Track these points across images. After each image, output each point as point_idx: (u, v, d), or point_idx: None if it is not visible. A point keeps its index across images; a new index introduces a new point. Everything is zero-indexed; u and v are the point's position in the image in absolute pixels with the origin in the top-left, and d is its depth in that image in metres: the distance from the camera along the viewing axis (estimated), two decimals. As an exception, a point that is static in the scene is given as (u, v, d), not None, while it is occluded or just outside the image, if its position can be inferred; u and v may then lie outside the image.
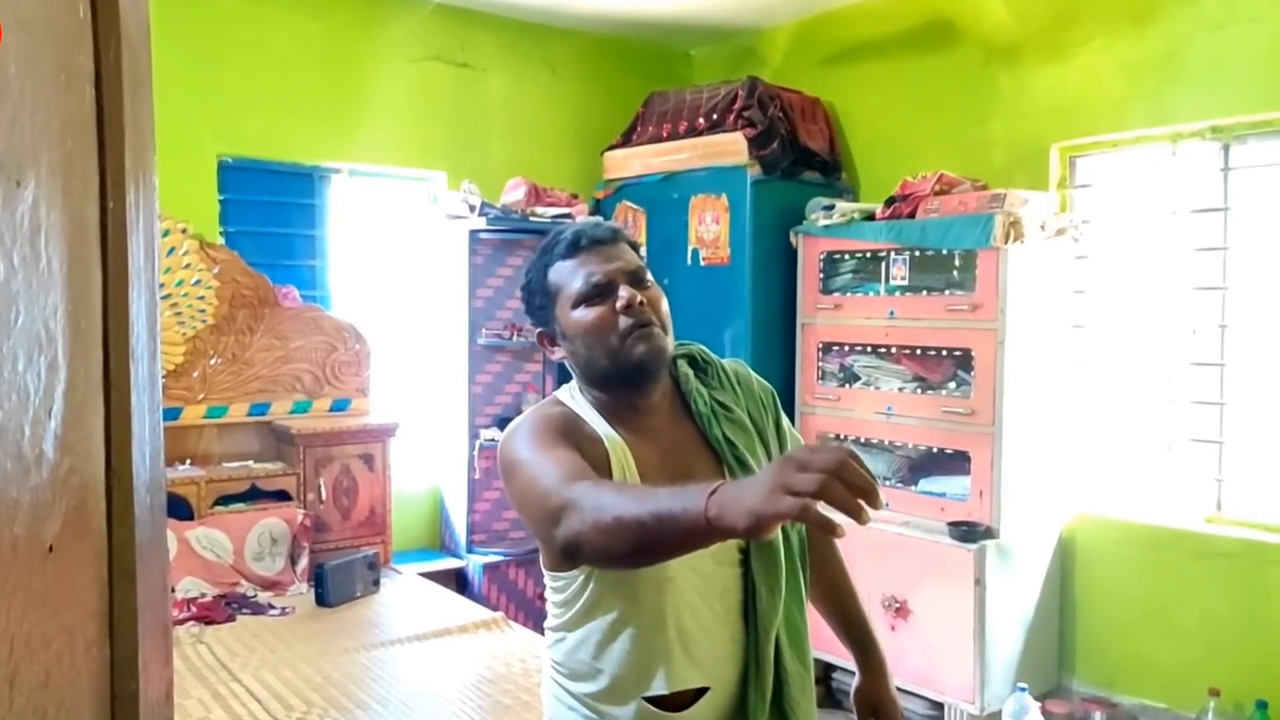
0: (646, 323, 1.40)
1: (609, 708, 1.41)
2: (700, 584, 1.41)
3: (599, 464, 1.38)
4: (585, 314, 1.42)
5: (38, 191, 0.55)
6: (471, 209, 4.28)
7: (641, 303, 1.41)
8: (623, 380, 1.44)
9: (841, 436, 4.02)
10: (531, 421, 1.44)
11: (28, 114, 0.55)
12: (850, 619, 1.66)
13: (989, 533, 3.49)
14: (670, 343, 1.46)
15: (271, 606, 3.54)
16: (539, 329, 1.52)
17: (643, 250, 1.52)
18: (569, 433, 1.40)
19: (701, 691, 1.40)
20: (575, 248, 1.44)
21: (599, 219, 1.49)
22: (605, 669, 1.41)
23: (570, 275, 1.43)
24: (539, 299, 1.49)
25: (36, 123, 0.55)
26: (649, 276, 1.47)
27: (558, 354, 1.50)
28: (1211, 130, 3.45)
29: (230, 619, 3.40)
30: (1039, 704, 3.28)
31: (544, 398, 4.96)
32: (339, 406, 4.23)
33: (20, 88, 0.54)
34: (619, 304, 1.40)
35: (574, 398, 1.50)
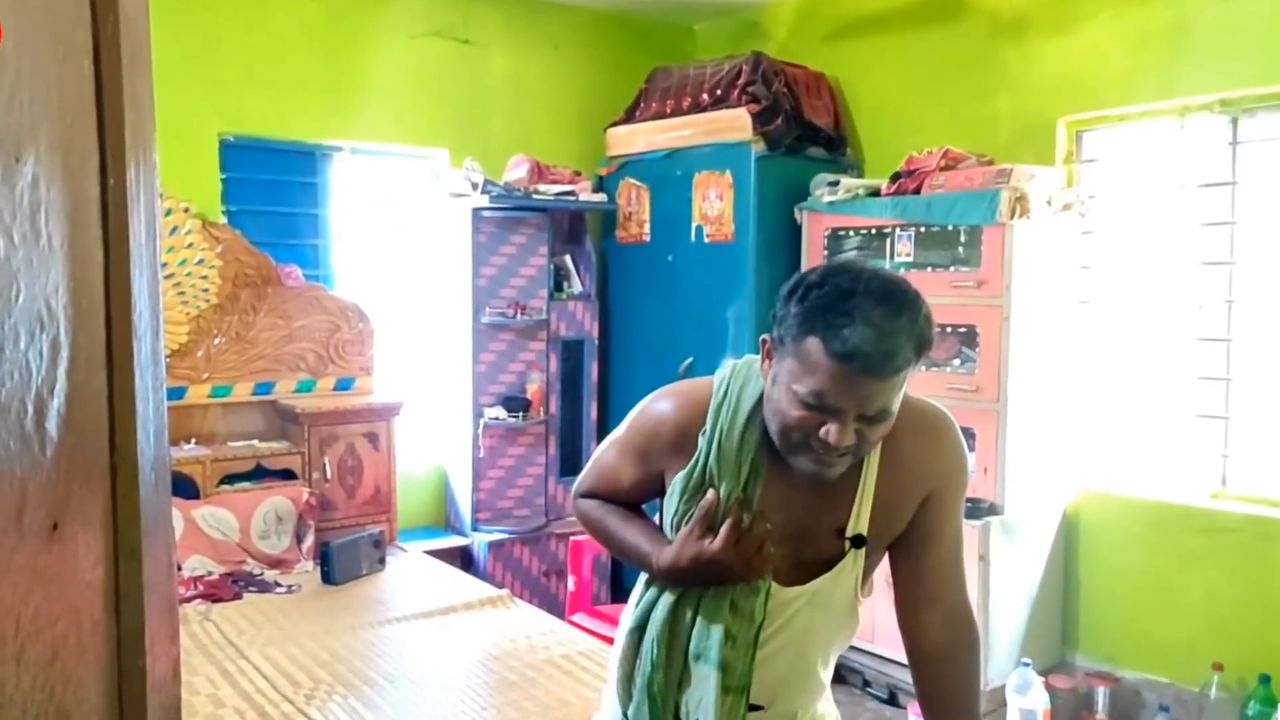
0: (829, 454, 1.28)
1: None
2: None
3: (647, 490, 1.51)
4: (791, 405, 1.28)
5: (37, 168, 0.55)
6: (474, 187, 4.26)
7: (843, 443, 1.28)
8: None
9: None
10: (655, 412, 1.48)
11: (26, 90, 0.54)
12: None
13: (993, 509, 3.50)
14: (858, 458, 1.35)
15: (278, 584, 3.56)
16: (767, 335, 1.35)
17: (908, 371, 1.27)
18: (663, 445, 1.45)
19: (755, 708, 1.43)
20: (842, 358, 1.22)
21: (887, 335, 1.21)
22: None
23: (813, 368, 1.24)
24: (783, 331, 1.29)
25: (35, 99, 0.55)
26: (892, 407, 1.28)
27: (764, 366, 1.36)
28: (1220, 103, 3.43)
29: (237, 597, 3.43)
30: (1043, 679, 3.29)
31: (547, 376, 4.82)
32: (343, 385, 4.23)
33: (18, 64, 0.53)
34: (821, 433, 1.26)
35: (754, 393, 1.40)
